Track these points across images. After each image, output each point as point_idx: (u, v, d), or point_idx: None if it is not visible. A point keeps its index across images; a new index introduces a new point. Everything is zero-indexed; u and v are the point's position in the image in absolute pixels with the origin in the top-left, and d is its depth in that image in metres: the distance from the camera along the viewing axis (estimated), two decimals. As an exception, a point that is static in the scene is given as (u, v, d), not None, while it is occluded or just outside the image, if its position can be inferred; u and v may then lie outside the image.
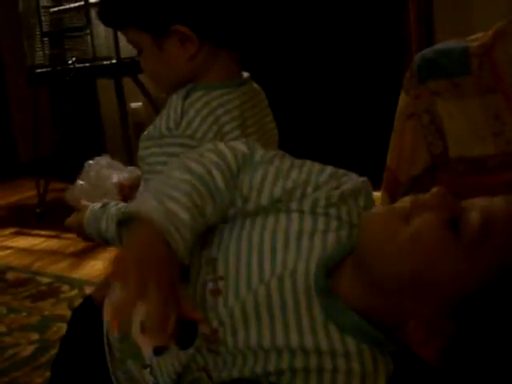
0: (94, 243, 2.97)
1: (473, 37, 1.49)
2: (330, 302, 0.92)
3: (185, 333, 0.95)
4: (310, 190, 1.01)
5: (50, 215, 3.53)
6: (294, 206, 1.00)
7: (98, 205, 1.36)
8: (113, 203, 1.35)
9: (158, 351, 0.97)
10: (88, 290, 2.42)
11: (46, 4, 3.53)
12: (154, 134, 1.27)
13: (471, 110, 1.43)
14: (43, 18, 3.52)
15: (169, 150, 1.23)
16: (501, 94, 1.41)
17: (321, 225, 0.99)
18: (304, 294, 0.93)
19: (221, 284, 0.97)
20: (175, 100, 1.27)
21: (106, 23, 1.34)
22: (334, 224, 1.00)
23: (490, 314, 0.85)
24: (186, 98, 1.26)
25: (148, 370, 1.05)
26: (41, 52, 3.55)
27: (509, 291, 0.84)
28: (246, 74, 1.38)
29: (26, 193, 4.10)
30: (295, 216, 1.00)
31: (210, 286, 0.98)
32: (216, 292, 0.97)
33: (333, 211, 1.00)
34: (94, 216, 1.34)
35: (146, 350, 1.04)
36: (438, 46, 1.52)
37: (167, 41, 1.25)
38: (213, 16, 1.25)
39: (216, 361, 0.96)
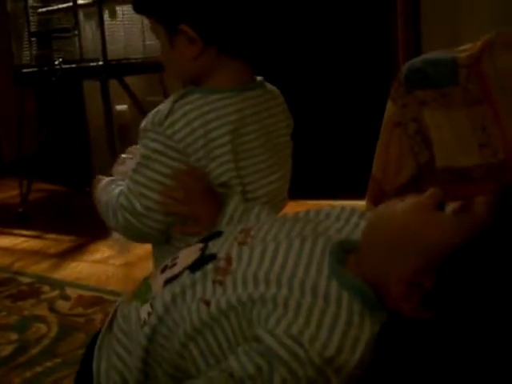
0: (75, 244, 3.01)
1: (461, 47, 1.50)
2: (337, 264, 1.04)
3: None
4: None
5: (33, 215, 3.52)
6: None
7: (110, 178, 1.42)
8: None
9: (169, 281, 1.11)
10: (69, 291, 2.41)
11: (34, 4, 3.52)
12: (142, 126, 1.31)
13: (458, 121, 1.43)
14: (31, 19, 3.50)
15: (150, 145, 1.27)
16: (487, 107, 1.42)
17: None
18: (320, 251, 1.06)
19: (249, 240, 1.12)
20: (170, 99, 1.30)
21: (134, 8, 1.40)
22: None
23: (462, 271, 0.97)
24: (180, 98, 1.28)
25: (149, 303, 1.12)
26: (28, 52, 3.54)
27: (477, 253, 0.96)
28: (259, 79, 1.39)
29: (8, 192, 4.07)
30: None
31: (239, 238, 1.13)
32: (243, 243, 1.11)
33: (354, 219, 1.17)
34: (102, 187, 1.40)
35: (158, 284, 1.13)
36: (426, 56, 1.53)
37: (177, 38, 1.30)
38: (216, 21, 1.28)
39: (215, 290, 1.05)
